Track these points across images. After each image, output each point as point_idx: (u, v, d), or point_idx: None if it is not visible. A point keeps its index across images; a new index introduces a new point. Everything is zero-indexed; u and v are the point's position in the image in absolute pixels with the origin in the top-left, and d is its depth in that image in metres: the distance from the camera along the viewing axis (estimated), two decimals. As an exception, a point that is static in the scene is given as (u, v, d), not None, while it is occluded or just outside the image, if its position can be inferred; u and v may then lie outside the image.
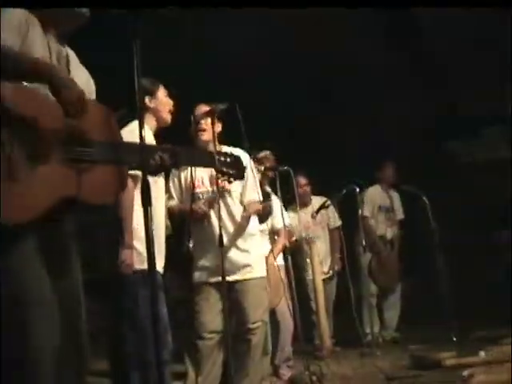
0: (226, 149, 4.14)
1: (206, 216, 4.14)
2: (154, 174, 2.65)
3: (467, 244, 9.40)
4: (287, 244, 5.55)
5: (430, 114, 9.72)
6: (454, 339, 6.23)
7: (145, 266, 2.58)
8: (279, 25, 7.00)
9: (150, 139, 3.53)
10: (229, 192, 4.15)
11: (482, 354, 5.19)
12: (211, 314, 4.14)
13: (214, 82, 6.85)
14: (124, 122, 3.41)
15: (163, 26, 5.95)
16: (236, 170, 3.01)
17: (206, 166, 3.28)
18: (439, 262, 6.43)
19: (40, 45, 2.44)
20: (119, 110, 3.69)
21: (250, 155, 4.33)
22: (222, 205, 4.02)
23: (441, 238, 6.66)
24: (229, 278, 3.98)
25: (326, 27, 7.24)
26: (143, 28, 2.33)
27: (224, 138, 4.29)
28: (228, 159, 2.97)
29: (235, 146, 4.29)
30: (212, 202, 4.09)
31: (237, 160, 3.03)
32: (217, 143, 3.96)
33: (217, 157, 2.92)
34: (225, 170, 2.95)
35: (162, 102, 3.86)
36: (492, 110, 9.66)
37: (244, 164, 3.10)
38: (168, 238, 3.83)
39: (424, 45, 8.67)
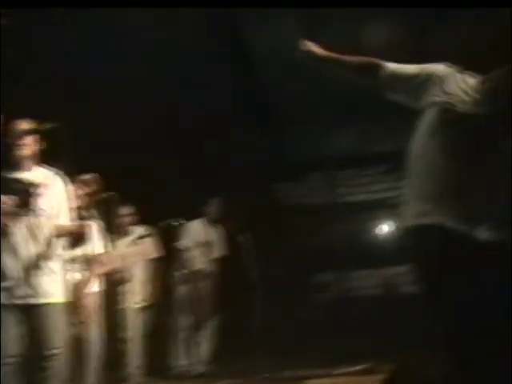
0: (39, 170, 4.07)
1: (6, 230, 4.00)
2: None
3: (287, 282, 9.73)
4: (102, 271, 5.48)
5: (258, 154, 9.97)
6: (265, 376, 6.39)
7: None
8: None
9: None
10: (36, 212, 4.03)
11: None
12: (10, 338, 3.97)
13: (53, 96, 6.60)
14: None
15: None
16: (22, 199, 3.05)
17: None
18: (255, 298, 6.57)
19: None
20: None
21: (69, 176, 4.27)
22: (27, 225, 3.93)
23: (258, 275, 6.83)
24: (29, 301, 3.91)
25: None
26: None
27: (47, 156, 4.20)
28: (18, 187, 3.01)
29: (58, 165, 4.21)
30: (12, 216, 3.97)
31: (25, 188, 3.06)
32: (34, 162, 3.87)
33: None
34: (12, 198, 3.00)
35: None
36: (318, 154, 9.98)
37: (31, 192, 3.12)
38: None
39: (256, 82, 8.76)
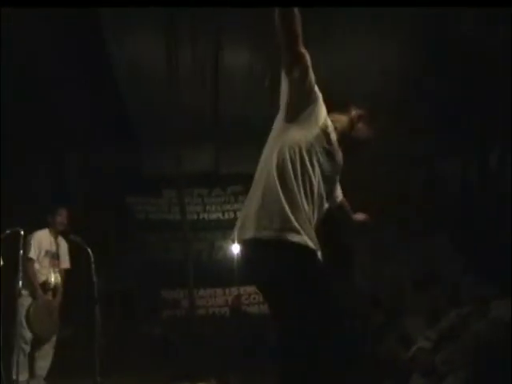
0: None
1: None
2: None
3: (134, 297, 9.69)
4: None
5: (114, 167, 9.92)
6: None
7: None
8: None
9: None
10: None
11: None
12: None
13: None
14: None
15: None
16: None
17: None
18: (96, 313, 6.47)
19: None
20: None
21: None
22: None
23: (104, 289, 6.76)
24: None
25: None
26: None
27: None
28: None
29: None
30: None
31: None
32: None
33: None
34: None
35: None
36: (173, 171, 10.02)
37: None
38: None
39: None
